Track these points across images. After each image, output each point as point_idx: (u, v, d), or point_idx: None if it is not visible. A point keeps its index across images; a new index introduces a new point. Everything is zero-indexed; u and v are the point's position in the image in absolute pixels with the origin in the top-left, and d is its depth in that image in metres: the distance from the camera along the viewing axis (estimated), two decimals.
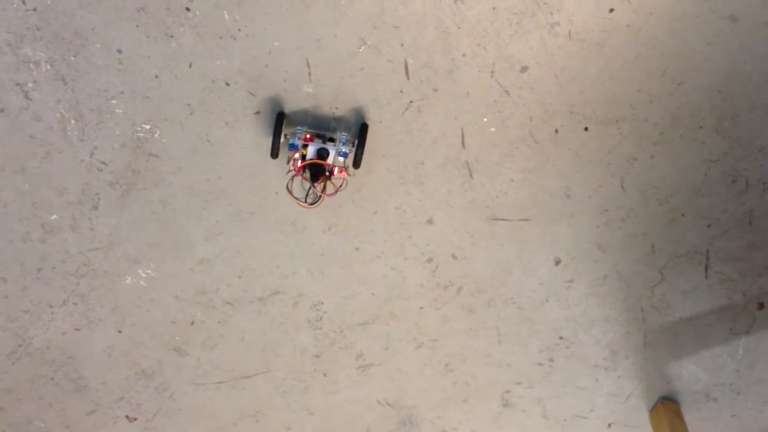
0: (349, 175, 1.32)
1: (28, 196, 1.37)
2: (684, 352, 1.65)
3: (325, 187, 1.30)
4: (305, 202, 1.33)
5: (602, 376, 1.69)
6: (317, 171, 1.29)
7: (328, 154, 1.28)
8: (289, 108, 1.29)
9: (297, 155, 1.28)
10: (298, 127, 1.28)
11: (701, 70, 1.26)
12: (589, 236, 1.46)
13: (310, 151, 1.28)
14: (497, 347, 1.63)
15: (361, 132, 1.28)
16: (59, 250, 1.45)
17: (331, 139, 1.29)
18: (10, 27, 1.19)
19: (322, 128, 1.32)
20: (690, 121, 1.31)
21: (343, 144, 1.28)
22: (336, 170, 1.30)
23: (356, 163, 1.29)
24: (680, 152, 1.35)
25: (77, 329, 1.57)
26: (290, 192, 1.32)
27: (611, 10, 1.19)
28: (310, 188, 1.31)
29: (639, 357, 1.65)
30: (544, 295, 1.55)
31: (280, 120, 1.27)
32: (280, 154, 1.29)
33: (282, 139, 1.28)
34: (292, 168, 1.29)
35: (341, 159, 1.29)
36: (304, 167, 1.29)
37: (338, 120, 1.31)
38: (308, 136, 1.28)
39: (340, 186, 1.32)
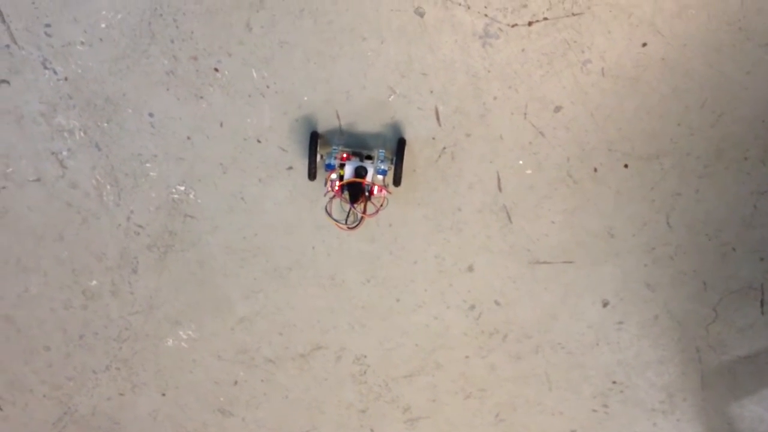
0: (389, 192, 1.26)
1: (67, 263, 1.39)
2: (745, 392, 1.58)
3: (365, 207, 1.25)
4: (345, 224, 1.27)
5: (660, 421, 1.62)
6: (356, 191, 1.23)
7: (366, 172, 1.23)
8: (322, 128, 1.27)
9: (334, 175, 1.23)
10: (334, 147, 1.24)
11: (742, 100, 1.22)
12: (636, 276, 1.41)
13: (348, 171, 1.23)
14: (548, 394, 1.58)
15: (399, 148, 1.24)
16: (101, 316, 1.45)
17: (369, 157, 1.24)
18: (42, 97, 1.22)
19: (359, 146, 1.28)
20: (734, 153, 1.27)
21: (381, 161, 1.23)
22: (376, 189, 1.25)
23: (396, 181, 1.25)
24: (726, 185, 1.31)
25: (121, 394, 1.56)
26: (329, 214, 1.26)
27: (644, 45, 1.17)
28: (350, 209, 1.25)
29: (698, 399, 1.59)
30: (594, 339, 1.50)
31: (314, 139, 1.23)
32: (318, 176, 1.26)
33: (318, 159, 1.24)
34: (330, 189, 1.25)
35: (380, 177, 1.24)
36: (342, 187, 1.24)
37: (375, 137, 1.28)
38: (345, 155, 1.23)
39: (381, 205, 1.27)
